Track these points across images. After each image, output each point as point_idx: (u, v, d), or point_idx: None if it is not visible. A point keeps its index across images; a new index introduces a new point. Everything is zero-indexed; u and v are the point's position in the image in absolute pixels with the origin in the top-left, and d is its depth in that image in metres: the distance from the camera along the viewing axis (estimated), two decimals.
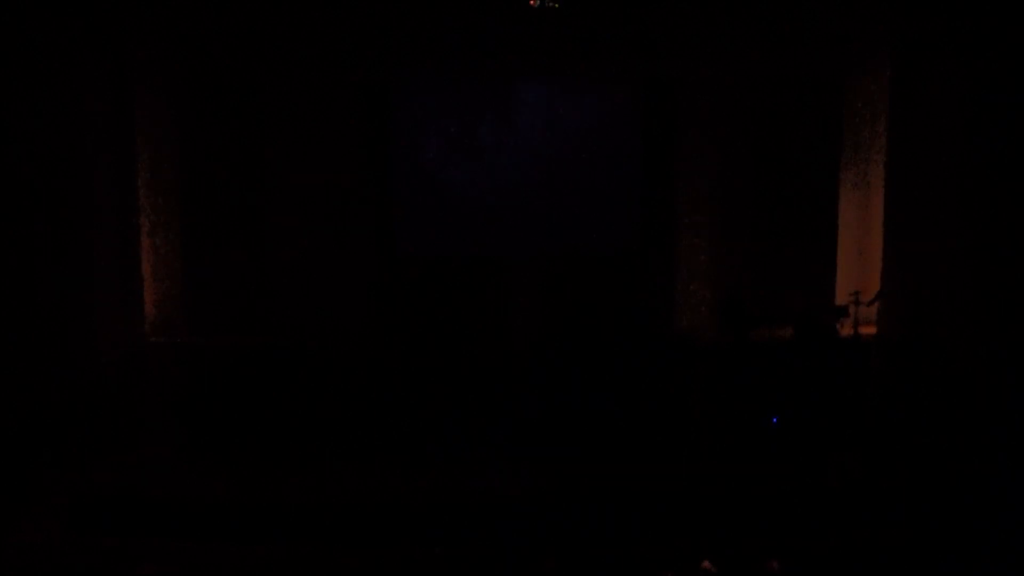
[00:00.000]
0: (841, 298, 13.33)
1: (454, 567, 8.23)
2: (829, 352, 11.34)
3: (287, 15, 11.41)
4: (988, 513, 8.50)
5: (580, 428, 10.38)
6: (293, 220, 14.01)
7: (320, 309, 14.03)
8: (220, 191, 13.94)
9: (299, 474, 9.26)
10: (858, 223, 14.05)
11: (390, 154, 14.15)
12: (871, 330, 13.09)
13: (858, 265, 13.91)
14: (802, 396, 10.94)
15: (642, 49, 12.29)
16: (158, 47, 12.68)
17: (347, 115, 13.99)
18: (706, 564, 7.21)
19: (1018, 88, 10.18)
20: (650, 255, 14.38)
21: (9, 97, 9.69)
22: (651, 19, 11.56)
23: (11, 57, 9.72)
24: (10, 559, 8.34)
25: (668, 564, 7.29)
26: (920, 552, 8.17)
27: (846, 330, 12.47)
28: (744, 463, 9.28)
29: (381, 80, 13.87)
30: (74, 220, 11.26)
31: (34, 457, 9.49)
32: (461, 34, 12.21)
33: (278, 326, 13.83)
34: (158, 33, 12.25)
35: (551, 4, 9.87)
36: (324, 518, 8.75)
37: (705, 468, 9.26)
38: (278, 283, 14.07)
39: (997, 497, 8.61)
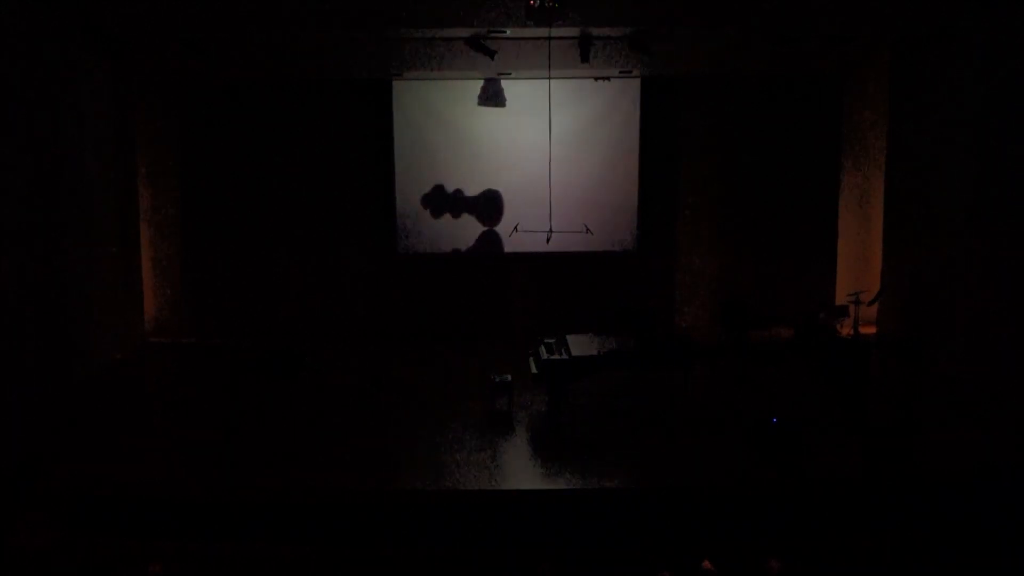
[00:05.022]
0: (841, 298, 13.35)
1: (454, 567, 8.23)
2: (829, 352, 11.35)
3: (287, 16, 11.40)
4: (988, 511, 8.50)
5: (579, 428, 10.38)
6: (292, 221, 14.05)
7: (319, 309, 14.06)
8: (219, 192, 13.97)
9: (299, 473, 9.27)
10: (858, 223, 14.07)
11: (391, 155, 14.16)
12: (871, 330, 13.10)
13: (858, 265, 13.93)
14: (802, 396, 10.96)
15: (642, 49, 12.32)
16: (158, 49, 12.70)
17: (348, 116, 14.03)
18: (706, 564, 7.21)
19: (1019, 87, 10.18)
20: (651, 255, 14.40)
21: (9, 99, 9.69)
22: (651, 19, 11.57)
23: (11, 60, 9.73)
24: (10, 559, 8.35)
25: (667, 564, 7.29)
26: (920, 551, 8.17)
27: (846, 330, 12.48)
28: (744, 463, 9.28)
29: (382, 81, 13.89)
30: (74, 221, 11.27)
31: (35, 456, 9.50)
32: (462, 34, 12.23)
33: (277, 326, 13.86)
34: (158, 35, 12.27)
35: (551, 4, 9.86)
36: (324, 517, 8.75)
37: (705, 467, 9.26)
38: (277, 284, 14.10)
39: (997, 496, 8.62)
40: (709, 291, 14.20)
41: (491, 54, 12.17)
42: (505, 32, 11.94)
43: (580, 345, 10.63)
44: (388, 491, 8.96)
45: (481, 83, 13.78)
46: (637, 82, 14.02)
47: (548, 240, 11.75)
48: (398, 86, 13.95)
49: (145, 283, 13.69)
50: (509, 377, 10.77)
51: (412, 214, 14.23)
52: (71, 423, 10.41)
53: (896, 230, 13.08)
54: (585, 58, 12.21)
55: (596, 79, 13.86)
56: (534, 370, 10.70)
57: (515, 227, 12.86)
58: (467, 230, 14.31)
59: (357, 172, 14.17)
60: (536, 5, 9.97)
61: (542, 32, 11.02)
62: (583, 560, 8.09)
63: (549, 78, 12.06)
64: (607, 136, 14.14)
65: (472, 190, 14.22)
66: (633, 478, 9.11)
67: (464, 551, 8.41)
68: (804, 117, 13.98)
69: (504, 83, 13.91)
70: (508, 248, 14.25)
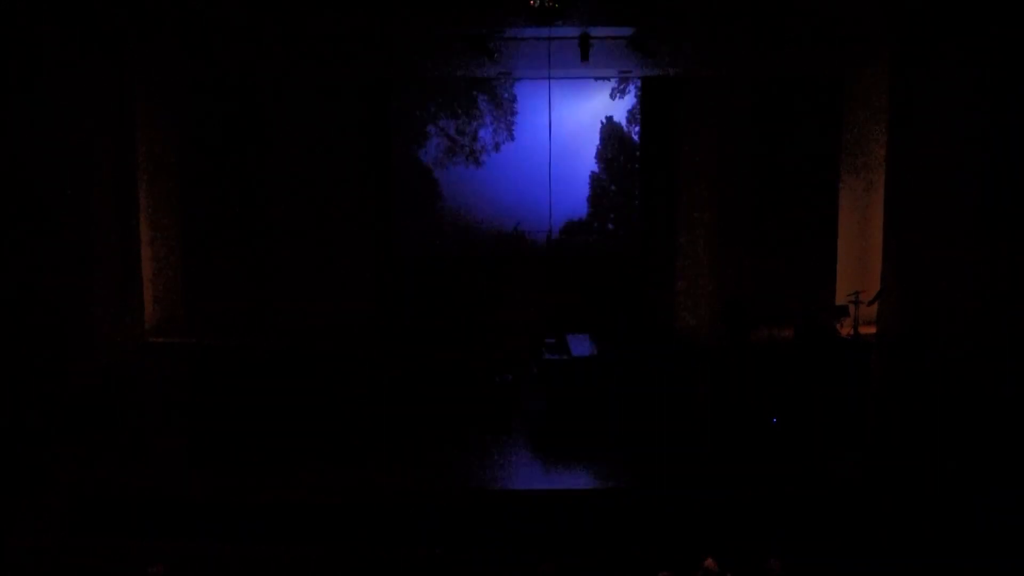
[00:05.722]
0: (841, 298, 13.33)
1: (454, 567, 8.24)
2: (829, 352, 11.34)
3: (287, 16, 11.40)
4: (988, 512, 8.50)
5: (580, 427, 10.38)
6: (293, 221, 14.02)
7: (320, 309, 14.03)
8: (220, 192, 13.95)
9: (300, 473, 9.27)
10: (858, 223, 14.04)
11: (391, 155, 14.16)
12: (871, 330, 13.09)
13: (858, 265, 13.89)
14: (802, 396, 10.95)
15: (642, 50, 12.30)
16: (158, 48, 12.68)
17: (347, 116, 14.00)
18: (709, 562, 7.20)
19: (1020, 85, 10.16)
20: (651, 256, 14.38)
21: (9, 98, 9.69)
22: (650, 20, 11.56)
23: (11, 58, 9.73)
24: (10, 559, 8.35)
25: (667, 564, 7.30)
26: (920, 551, 8.17)
27: (846, 330, 12.47)
28: (744, 463, 9.29)
29: (382, 81, 13.88)
30: (74, 221, 11.26)
31: (34, 457, 9.50)
32: (461, 35, 12.22)
33: (277, 326, 13.84)
34: (158, 34, 12.25)
35: (550, 4, 9.87)
36: (325, 517, 8.76)
37: (705, 468, 9.27)
38: (277, 284, 14.08)
39: (997, 496, 8.62)
40: (709, 291, 14.18)
41: (491, 53, 12.16)
42: (505, 32, 11.93)
43: (580, 346, 10.64)
44: (388, 491, 8.97)
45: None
46: (637, 82, 14.02)
47: (548, 240, 11.77)
48: (397, 85, 13.94)
49: (145, 283, 13.67)
50: (510, 376, 10.78)
51: (412, 214, 14.23)
52: (71, 423, 10.40)
53: (896, 230, 13.05)
54: (585, 58, 12.20)
55: (596, 79, 13.85)
56: (535, 370, 10.71)
57: (515, 227, 12.86)
58: (467, 230, 14.30)
59: (357, 172, 14.15)
60: (536, 5, 9.97)
61: (542, 32, 11.02)
62: (583, 560, 8.10)
63: (549, 78, 12.06)
64: (607, 136, 14.13)
65: (471, 190, 14.21)
66: (633, 478, 9.11)
67: (464, 551, 8.42)
68: (804, 117, 13.96)
69: (504, 83, 13.89)
70: (508, 248, 14.24)
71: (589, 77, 13.79)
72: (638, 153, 14.22)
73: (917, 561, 8.07)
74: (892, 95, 13.16)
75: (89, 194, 11.71)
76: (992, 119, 10.66)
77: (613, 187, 14.24)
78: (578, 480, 9.02)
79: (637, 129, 14.17)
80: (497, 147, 14.14)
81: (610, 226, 14.26)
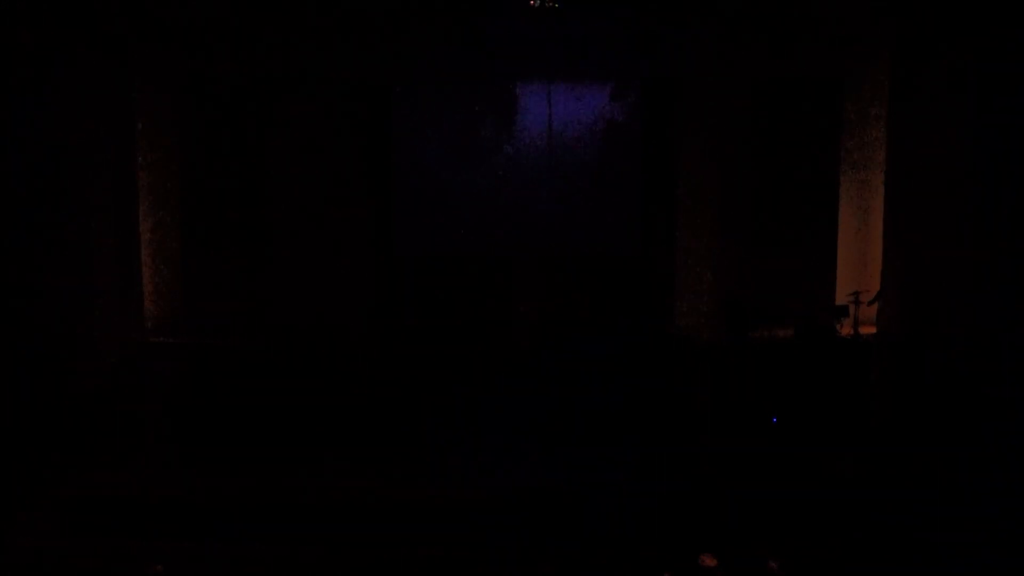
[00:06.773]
0: (841, 298, 13.34)
1: (454, 567, 8.24)
2: (829, 352, 11.35)
3: (287, 17, 11.42)
4: (987, 511, 8.51)
5: (580, 428, 10.39)
6: (293, 221, 14.01)
7: (320, 310, 14.02)
8: (220, 192, 13.95)
9: (299, 474, 9.28)
10: (858, 223, 14.06)
11: (391, 155, 14.15)
12: (871, 330, 13.10)
13: (858, 265, 13.91)
14: (802, 396, 10.95)
15: (642, 50, 12.31)
16: (158, 47, 12.69)
17: (348, 116, 14.00)
18: (710, 561, 7.20)
19: (1019, 87, 10.17)
20: (651, 256, 14.37)
21: (9, 98, 9.70)
22: (651, 20, 11.58)
23: (11, 58, 9.74)
24: (11, 560, 8.36)
25: (667, 564, 7.30)
26: (920, 551, 8.18)
27: (846, 330, 12.47)
28: (744, 462, 9.30)
29: (382, 81, 13.88)
30: (74, 221, 11.27)
31: (34, 457, 9.50)
32: (461, 35, 12.23)
33: (278, 326, 13.84)
34: (158, 34, 12.26)
35: (551, 4, 9.89)
36: (324, 518, 8.76)
37: (706, 467, 9.27)
38: (278, 284, 14.08)
39: (996, 495, 8.63)
40: (709, 291, 14.18)
41: (491, 54, 12.16)
42: (505, 32, 11.95)
43: (580, 345, 10.65)
44: (387, 491, 8.97)
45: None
46: (637, 83, 14.01)
47: (548, 240, 11.78)
48: (397, 86, 13.94)
49: (145, 283, 13.68)
50: (507, 379, 10.78)
51: (412, 214, 14.23)
52: (71, 423, 10.41)
53: (896, 229, 13.07)
54: (585, 59, 12.21)
55: (596, 79, 13.84)
56: (535, 370, 10.73)
57: (514, 228, 12.86)
58: (467, 230, 14.29)
59: (357, 172, 14.15)
60: (536, 5, 9.99)
61: (542, 32, 11.04)
62: (583, 560, 8.10)
63: (549, 78, 12.07)
64: (607, 136, 14.13)
65: (471, 190, 14.21)
66: (633, 477, 9.12)
67: (464, 551, 8.42)
68: (804, 117, 13.97)
69: (504, 84, 13.89)
70: (508, 248, 14.24)
71: (589, 77, 13.79)
72: (638, 153, 14.21)
73: (917, 561, 8.08)
74: (892, 95, 13.18)
75: (89, 195, 11.72)
76: (991, 119, 10.67)
77: (613, 187, 14.23)
78: (578, 480, 9.02)
79: (637, 129, 14.16)
80: (497, 147, 14.13)
81: (610, 226, 14.24)
